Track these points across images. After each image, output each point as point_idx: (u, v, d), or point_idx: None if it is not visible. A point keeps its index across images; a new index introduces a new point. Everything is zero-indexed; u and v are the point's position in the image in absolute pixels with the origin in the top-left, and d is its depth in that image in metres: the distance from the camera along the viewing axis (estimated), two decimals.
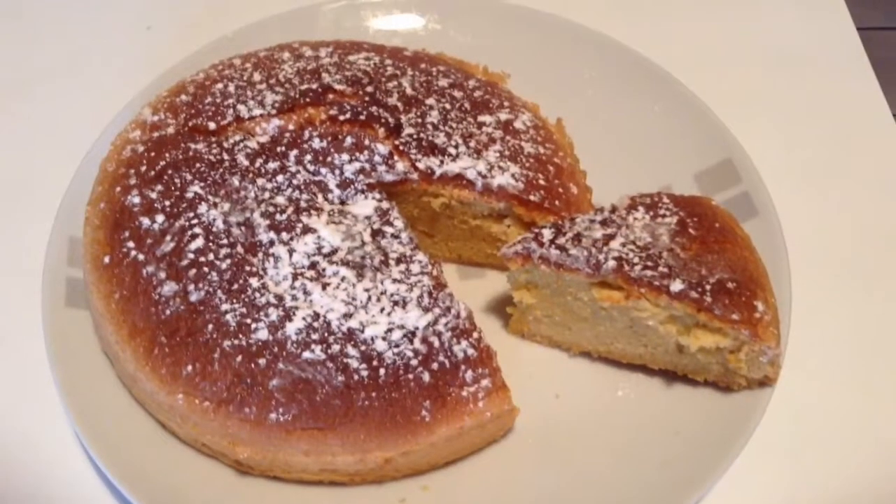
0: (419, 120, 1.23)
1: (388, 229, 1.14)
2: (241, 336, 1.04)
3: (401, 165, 1.19)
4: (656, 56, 1.45)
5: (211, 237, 1.11)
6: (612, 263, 1.08)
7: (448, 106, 1.26)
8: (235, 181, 1.16)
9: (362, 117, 1.21)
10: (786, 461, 1.16)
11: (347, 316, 1.06)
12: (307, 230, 1.12)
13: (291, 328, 1.04)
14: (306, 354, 1.03)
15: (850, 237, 1.38)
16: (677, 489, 1.06)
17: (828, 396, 1.21)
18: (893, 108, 1.57)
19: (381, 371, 1.03)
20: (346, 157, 1.19)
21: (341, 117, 1.21)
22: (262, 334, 1.04)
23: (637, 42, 1.48)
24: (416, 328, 1.06)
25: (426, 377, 1.04)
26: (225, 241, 1.10)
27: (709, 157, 1.34)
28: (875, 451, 1.17)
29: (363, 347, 1.04)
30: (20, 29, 1.67)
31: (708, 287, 1.06)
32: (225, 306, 1.06)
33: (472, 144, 1.22)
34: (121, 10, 1.71)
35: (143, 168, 1.17)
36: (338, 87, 1.25)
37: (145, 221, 1.12)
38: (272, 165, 1.18)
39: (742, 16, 1.70)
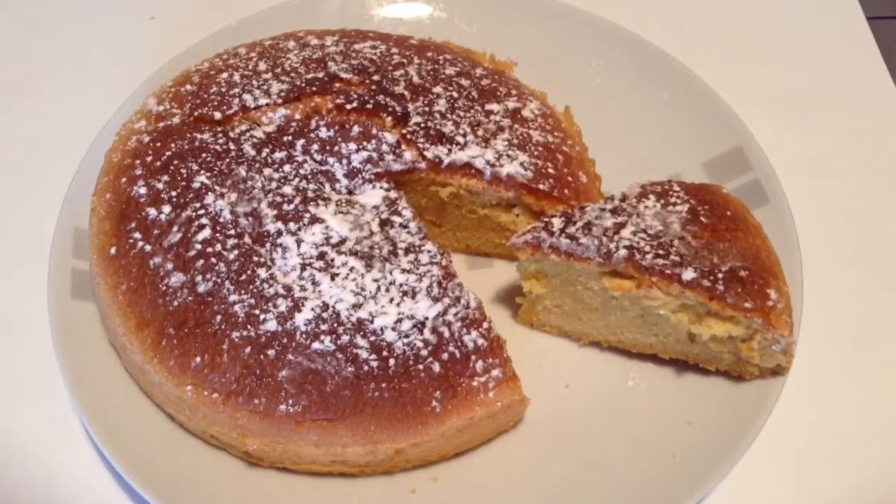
0: (426, 108, 1.22)
1: (397, 219, 1.13)
2: (249, 327, 1.03)
3: (408, 154, 1.18)
4: (664, 44, 1.44)
5: (218, 227, 1.10)
6: (623, 252, 1.07)
7: (455, 94, 1.25)
8: (242, 171, 1.15)
9: (369, 106, 1.20)
10: (799, 450, 1.16)
11: (357, 306, 1.05)
12: (315, 220, 1.11)
13: (300, 319, 1.04)
14: (315, 345, 1.02)
15: (861, 225, 1.37)
16: (689, 478, 1.05)
17: (841, 385, 1.21)
18: None
19: (391, 361, 1.02)
20: (353, 146, 1.18)
21: (348, 106, 1.20)
22: (271, 325, 1.03)
23: (645, 30, 1.46)
24: (426, 318, 1.05)
25: (436, 367, 1.03)
26: (232, 232, 1.09)
27: (718, 145, 1.33)
28: (889, 440, 1.17)
29: (373, 338, 1.03)
30: (23, 20, 1.66)
31: (720, 275, 1.05)
32: (233, 297, 1.05)
33: (480, 133, 1.21)
34: (124, 0, 1.69)
35: (149, 158, 1.16)
36: (344, 75, 1.24)
37: (152, 212, 1.11)
38: (279, 155, 1.17)
39: (750, 4, 1.69)
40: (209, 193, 1.12)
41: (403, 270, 1.09)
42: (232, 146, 1.17)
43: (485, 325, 1.07)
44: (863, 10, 1.68)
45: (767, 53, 1.60)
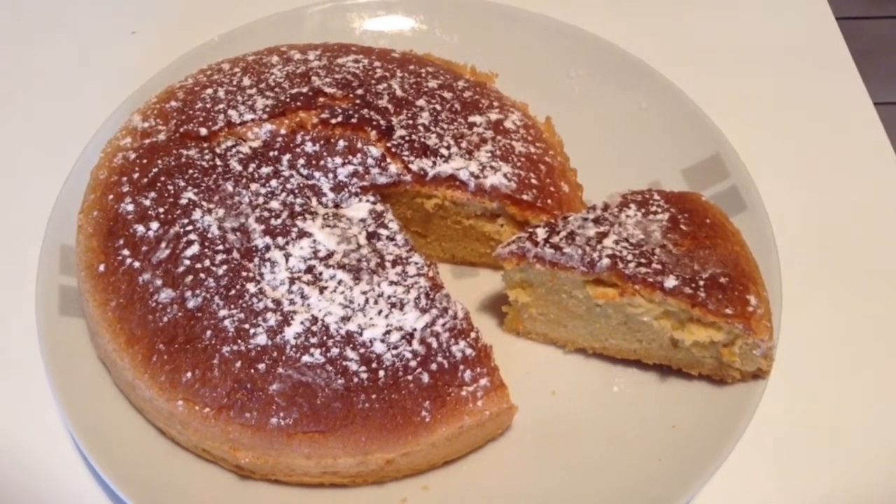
0: (410, 122, 1.24)
1: (384, 232, 1.15)
2: (240, 341, 1.04)
3: (393, 167, 1.20)
4: (642, 54, 1.46)
5: (206, 243, 1.11)
6: (606, 261, 1.09)
7: (438, 107, 1.27)
8: (229, 187, 1.16)
9: (354, 120, 1.22)
10: (780, 451, 1.18)
11: (345, 319, 1.06)
12: (302, 234, 1.13)
13: (290, 332, 1.05)
14: (306, 358, 1.04)
15: (836, 227, 1.40)
16: (675, 481, 1.07)
17: (819, 387, 1.23)
18: (874, 96, 1.59)
19: (381, 373, 1.04)
20: (339, 160, 1.19)
21: (333, 121, 1.22)
22: (261, 339, 1.04)
23: (621, 39, 1.49)
24: (415, 329, 1.06)
25: (425, 378, 1.04)
26: (221, 247, 1.10)
27: (696, 153, 1.35)
28: (866, 441, 1.19)
29: (362, 350, 1.05)
30: (2, 38, 1.66)
31: (701, 282, 1.08)
32: (223, 312, 1.06)
33: (463, 145, 1.23)
34: (104, 15, 1.69)
35: (136, 175, 1.17)
36: (328, 90, 1.25)
37: (140, 229, 1.12)
38: (265, 170, 1.18)
39: (723, 9, 1.72)
40: (197, 209, 1.13)
41: (391, 282, 1.10)
42: (218, 162, 1.18)
43: (472, 334, 1.09)
44: (833, 12, 1.71)
45: (741, 60, 1.63)
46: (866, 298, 1.32)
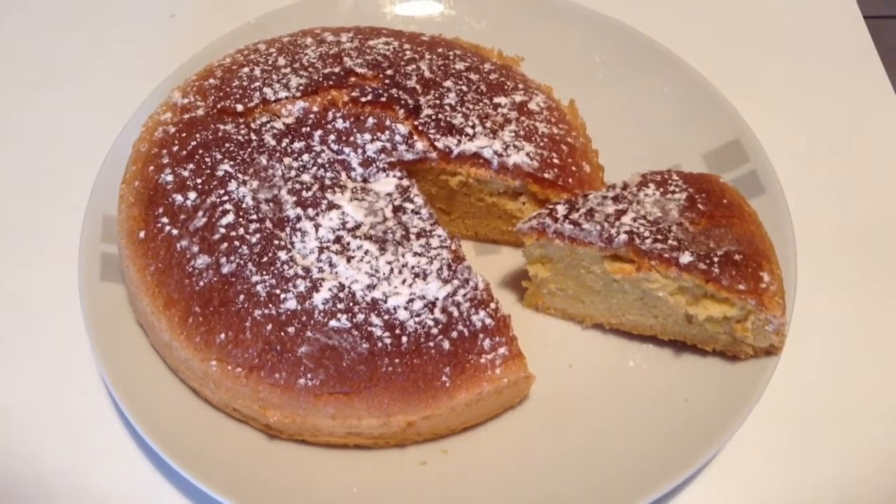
0: (437, 101, 1.28)
1: (409, 205, 1.20)
2: (271, 306, 1.09)
3: (420, 145, 1.24)
4: (666, 40, 1.49)
5: (241, 213, 1.16)
6: (623, 237, 1.12)
7: (465, 88, 1.31)
8: (263, 160, 1.21)
9: (383, 99, 1.26)
10: (790, 426, 1.21)
11: (371, 287, 1.11)
12: (332, 206, 1.17)
13: (318, 298, 1.10)
14: (333, 323, 1.08)
15: (854, 216, 1.42)
16: (687, 451, 1.10)
17: (831, 366, 1.26)
18: None
19: (404, 339, 1.08)
20: (367, 136, 1.24)
21: (363, 99, 1.26)
22: (291, 304, 1.09)
23: (647, 26, 1.51)
24: (437, 298, 1.11)
25: (446, 345, 1.09)
26: (254, 217, 1.16)
27: (717, 138, 1.38)
28: (878, 419, 1.22)
29: (386, 316, 1.09)
30: (50, 17, 1.73)
31: (716, 259, 1.11)
32: (255, 278, 1.11)
33: (488, 125, 1.27)
34: None
35: (175, 148, 1.22)
36: (359, 70, 1.30)
37: (178, 198, 1.18)
38: (298, 145, 1.23)
39: (749, 1, 1.74)
40: (232, 181, 1.19)
41: (415, 254, 1.15)
42: (253, 137, 1.23)
43: (492, 305, 1.13)
44: (861, 10, 1.72)
45: (765, 50, 1.65)
46: (882, 284, 1.34)
